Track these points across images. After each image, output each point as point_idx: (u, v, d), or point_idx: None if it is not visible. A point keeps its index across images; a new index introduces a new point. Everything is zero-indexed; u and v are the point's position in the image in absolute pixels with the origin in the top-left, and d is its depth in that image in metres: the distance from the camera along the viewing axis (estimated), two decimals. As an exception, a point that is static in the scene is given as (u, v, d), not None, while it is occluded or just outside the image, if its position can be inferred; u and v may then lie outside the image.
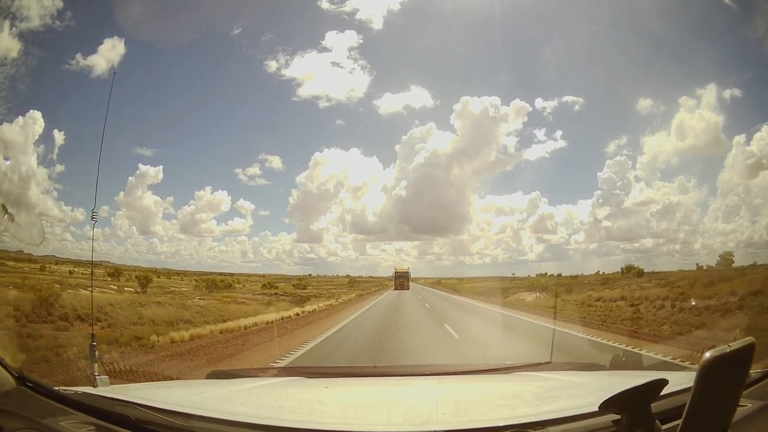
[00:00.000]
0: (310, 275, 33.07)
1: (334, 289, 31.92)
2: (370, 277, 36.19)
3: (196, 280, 27.37)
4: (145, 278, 23.77)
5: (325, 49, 28.52)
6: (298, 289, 29.13)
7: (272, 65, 27.71)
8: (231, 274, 29.87)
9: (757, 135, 22.93)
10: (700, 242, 25.96)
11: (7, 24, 20.19)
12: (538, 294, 25.95)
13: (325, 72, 28.81)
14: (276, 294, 26.33)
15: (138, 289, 22.22)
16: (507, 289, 28.67)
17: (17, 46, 20.66)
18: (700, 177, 28.05)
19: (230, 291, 25.89)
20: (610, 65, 29.23)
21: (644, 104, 26.36)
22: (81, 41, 23.55)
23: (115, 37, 22.95)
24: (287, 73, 28.19)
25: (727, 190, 25.70)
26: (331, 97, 28.83)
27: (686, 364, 6.98)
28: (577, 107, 28.10)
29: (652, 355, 8.16)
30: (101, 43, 23.16)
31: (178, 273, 28.76)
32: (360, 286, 34.32)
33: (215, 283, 26.53)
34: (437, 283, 41.58)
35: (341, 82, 31.69)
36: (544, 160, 29.00)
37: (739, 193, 25.24)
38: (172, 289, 24.77)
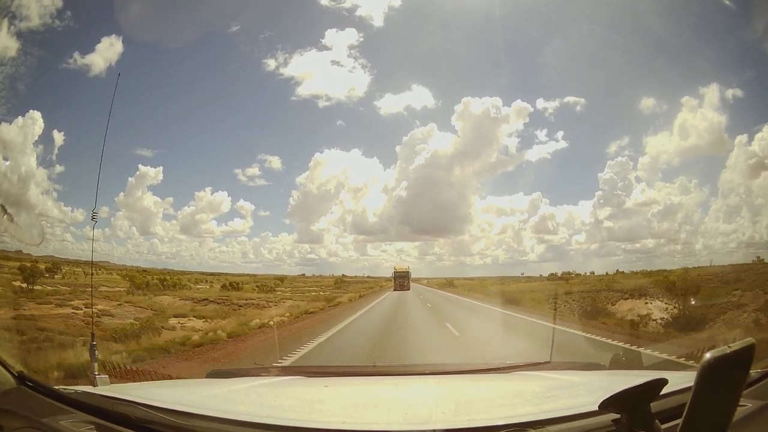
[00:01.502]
0: (303, 275, 31.72)
1: (315, 291, 28.45)
2: (368, 277, 34.56)
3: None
4: (31, 271, 18.83)
5: (325, 48, 28.32)
6: (263, 293, 24.49)
7: (271, 64, 27.51)
8: (214, 274, 29.14)
9: (759, 135, 22.75)
10: (701, 243, 25.73)
11: (7, 23, 20.16)
12: (665, 304, 14.89)
13: (324, 71, 28.54)
14: (204, 300, 20.76)
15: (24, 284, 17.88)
16: (586, 293, 18.55)
17: (17, 45, 20.62)
18: (702, 177, 27.70)
19: (170, 292, 21.74)
20: (611, 66, 29.07)
21: (646, 104, 26.19)
22: (79, 40, 23.46)
23: (113, 35, 22.86)
24: (286, 71, 27.95)
25: (728, 190, 25.47)
26: (331, 96, 28.59)
27: None
28: (578, 108, 27.99)
29: None
30: (99, 42, 23.05)
31: (173, 273, 28.49)
32: (349, 288, 31.43)
33: (136, 283, 21.97)
34: (448, 284, 36.47)
35: (341, 81, 31.48)
36: (546, 161, 28.86)
37: (740, 194, 25.02)
38: (102, 288, 20.63)
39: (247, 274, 29.71)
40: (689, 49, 25.91)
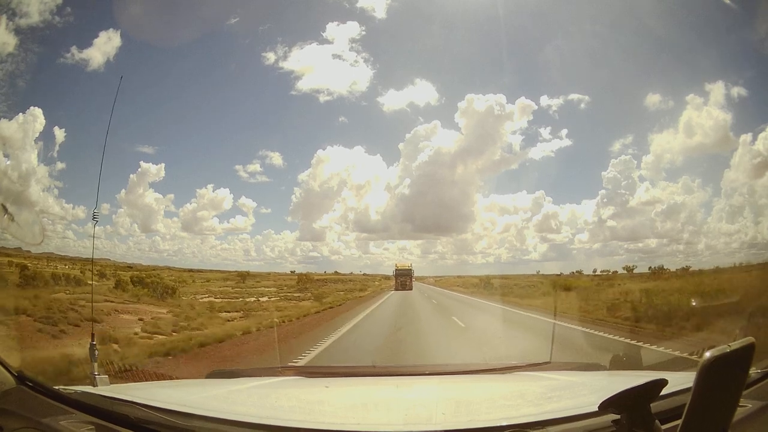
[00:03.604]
0: (293, 272, 28.23)
1: (256, 296, 22.84)
2: (365, 274, 32.48)
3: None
4: None
5: (326, 41, 27.86)
6: (148, 304, 17.62)
7: (270, 57, 26.96)
8: (198, 271, 28.45)
9: (762, 135, 22.50)
10: (704, 243, 25.45)
11: (8, 20, 20.16)
12: None
13: (325, 65, 27.89)
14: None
15: None
16: None
17: (17, 42, 20.60)
18: (705, 177, 27.35)
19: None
20: (616, 62, 28.78)
21: (651, 101, 25.98)
22: (77, 35, 23.37)
23: (110, 29, 22.65)
24: (286, 65, 27.62)
25: (731, 190, 25.19)
26: (333, 90, 27.94)
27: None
28: (582, 105, 27.83)
29: None
30: (97, 36, 22.85)
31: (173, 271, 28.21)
32: (319, 290, 24.44)
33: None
34: (483, 285, 27.90)
35: (343, 76, 30.75)
36: (549, 159, 28.65)
37: (744, 194, 24.80)
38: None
39: (230, 271, 28.66)
40: (694, 47, 25.80)
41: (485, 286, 27.08)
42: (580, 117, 28.38)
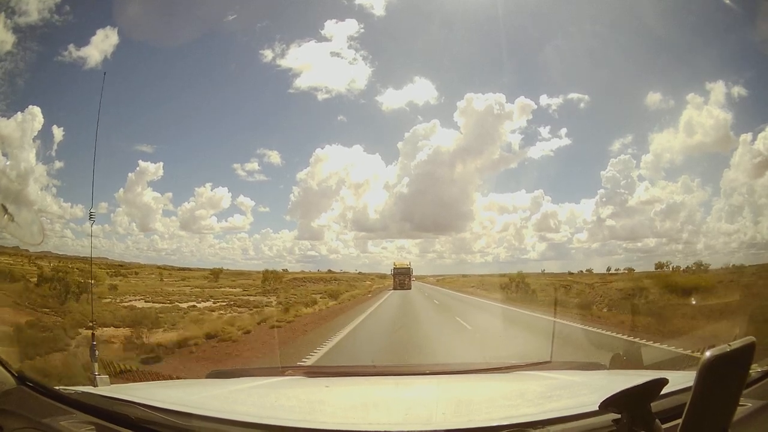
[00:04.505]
0: (285, 270, 26.30)
1: (218, 299, 19.09)
2: (359, 273, 32.01)
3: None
4: None
5: (324, 38, 27.72)
6: None
7: (268, 54, 26.84)
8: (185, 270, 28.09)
9: (762, 134, 22.46)
10: (703, 242, 25.42)
11: (7, 19, 20.15)
12: None
13: (324, 62, 27.52)
14: None
15: None
16: None
17: (16, 40, 20.59)
18: (705, 176, 27.31)
19: None
20: (616, 62, 28.72)
21: (651, 101, 25.96)
22: (76, 33, 23.32)
23: (108, 27, 22.56)
24: (284, 62, 27.19)
25: (731, 189, 25.15)
26: (331, 88, 27.62)
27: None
28: (582, 105, 27.83)
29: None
30: (94, 34, 22.76)
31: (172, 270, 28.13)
32: (287, 293, 20.33)
33: None
34: (516, 288, 19.61)
35: (341, 73, 30.44)
36: (548, 158, 28.64)
37: (743, 193, 24.75)
38: None
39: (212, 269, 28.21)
40: (694, 47, 25.79)
41: (517, 288, 19.87)
42: (580, 116, 28.39)
